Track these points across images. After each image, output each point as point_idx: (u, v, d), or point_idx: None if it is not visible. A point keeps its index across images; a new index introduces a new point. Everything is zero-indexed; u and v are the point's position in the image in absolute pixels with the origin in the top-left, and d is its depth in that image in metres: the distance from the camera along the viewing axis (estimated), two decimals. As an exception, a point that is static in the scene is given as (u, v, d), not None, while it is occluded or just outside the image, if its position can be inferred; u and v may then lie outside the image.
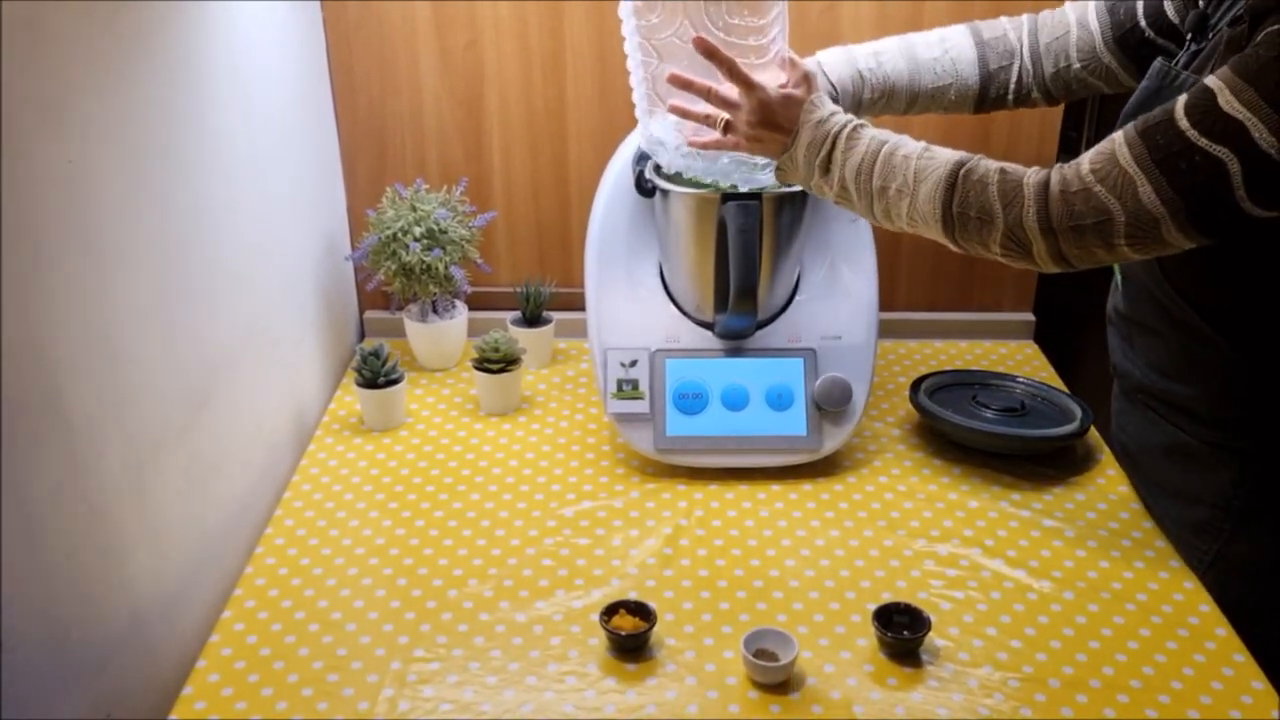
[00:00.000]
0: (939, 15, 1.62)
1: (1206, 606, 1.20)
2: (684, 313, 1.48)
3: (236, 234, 1.32)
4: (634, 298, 1.49)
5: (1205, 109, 0.97)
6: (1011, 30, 1.34)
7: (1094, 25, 1.28)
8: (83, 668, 1.01)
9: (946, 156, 1.13)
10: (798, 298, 1.49)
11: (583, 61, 1.66)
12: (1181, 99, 1.00)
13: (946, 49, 1.35)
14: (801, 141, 1.18)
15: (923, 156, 1.13)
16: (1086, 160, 1.05)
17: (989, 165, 1.10)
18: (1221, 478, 1.20)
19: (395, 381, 1.54)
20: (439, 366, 1.71)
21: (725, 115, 1.22)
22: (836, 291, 1.49)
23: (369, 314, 1.83)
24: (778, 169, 1.22)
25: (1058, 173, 1.06)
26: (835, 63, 1.36)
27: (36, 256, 0.91)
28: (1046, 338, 1.82)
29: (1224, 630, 1.17)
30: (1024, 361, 1.75)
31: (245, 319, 1.35)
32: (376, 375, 1.53)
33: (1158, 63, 1.16)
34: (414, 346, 1.71)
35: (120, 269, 1.05)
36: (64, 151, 0.95)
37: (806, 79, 1.22)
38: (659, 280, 1.50)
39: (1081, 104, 1.73)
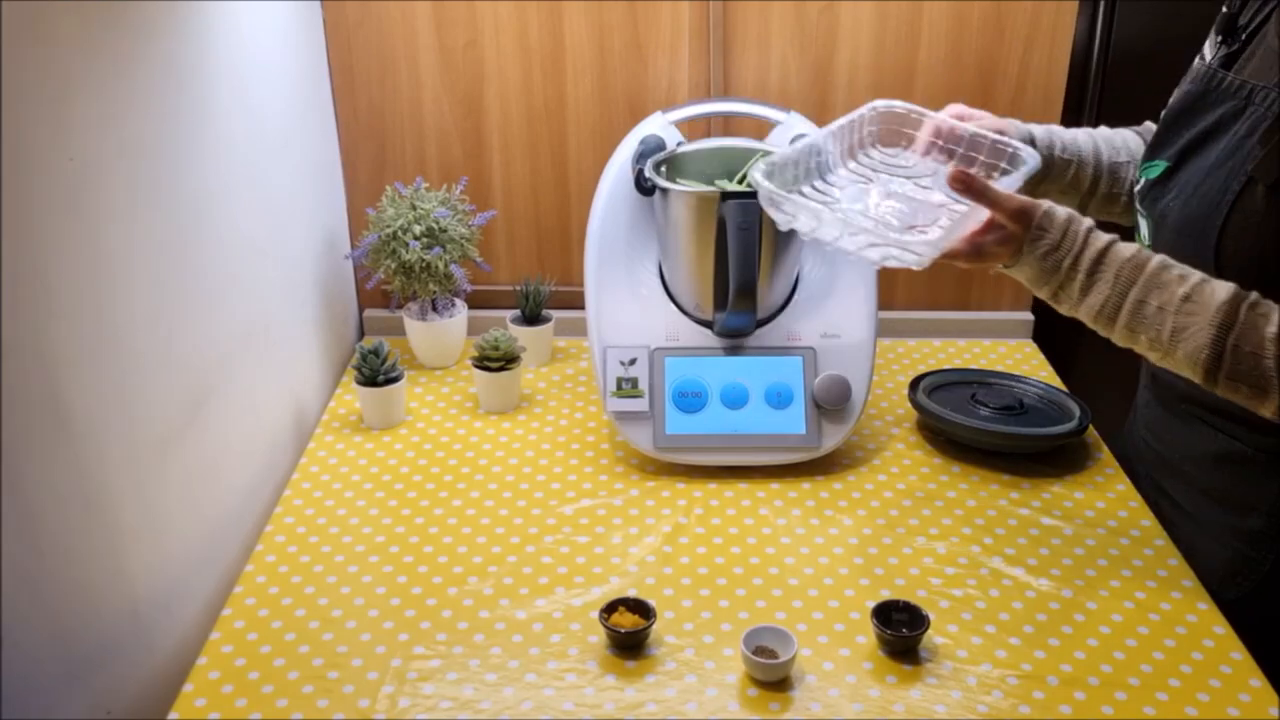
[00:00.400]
0: (938, 15, 1.63)
1: (1204, 604, 1.20)
2: (683, 311, 1.48)
3: (237, 232, 1.33)
4: (633, 296, 1.49)
5: None
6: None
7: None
8: (83, 665, 1.01)
9: (1208, 314, 1.01)
10: (797, 296, 1.49)
11: (582, 61, 1.67)
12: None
13: (1118, 133, 1.33)
14: (1027, 274, 1.11)
15: (1181, 311, 1.02)
16: None
17: (1264, 334, 0.99)
18: (1276, 485, 1.16)
19: (395, 380, 1.54)
20: (438, 365, 1.71)
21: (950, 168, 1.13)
22: (835, 290, 1.49)
23: (369, 312, 1.83)
24: (1006, 266, 1.14)
25: None
26: (1034, 126, 1.32)
27: (36, 254, 0.91)
28: (1045, 337, 1.82)
29: (1222, 628, 1.17)
30: (1022, 360, 1.75)
31: (245, 317, 1.35)
32: (376, 373, 1.53)
33: (1196, 62, 1.13)
34: (414, 345, 1.71)
35: (120, 267, 1.05)
36: (64, 149, 0.95)
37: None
38: (658, 279, 1.50)
39: (1080, 103, 1.73)
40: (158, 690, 1.12)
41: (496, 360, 1.56)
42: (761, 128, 1.57)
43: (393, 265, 1.60)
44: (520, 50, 1.66)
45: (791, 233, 1.42)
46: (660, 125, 1.53)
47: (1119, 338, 1.07)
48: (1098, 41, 1.69)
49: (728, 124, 1.68)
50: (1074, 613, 1.20)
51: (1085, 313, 1.08)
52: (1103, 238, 1.08)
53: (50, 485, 0.94)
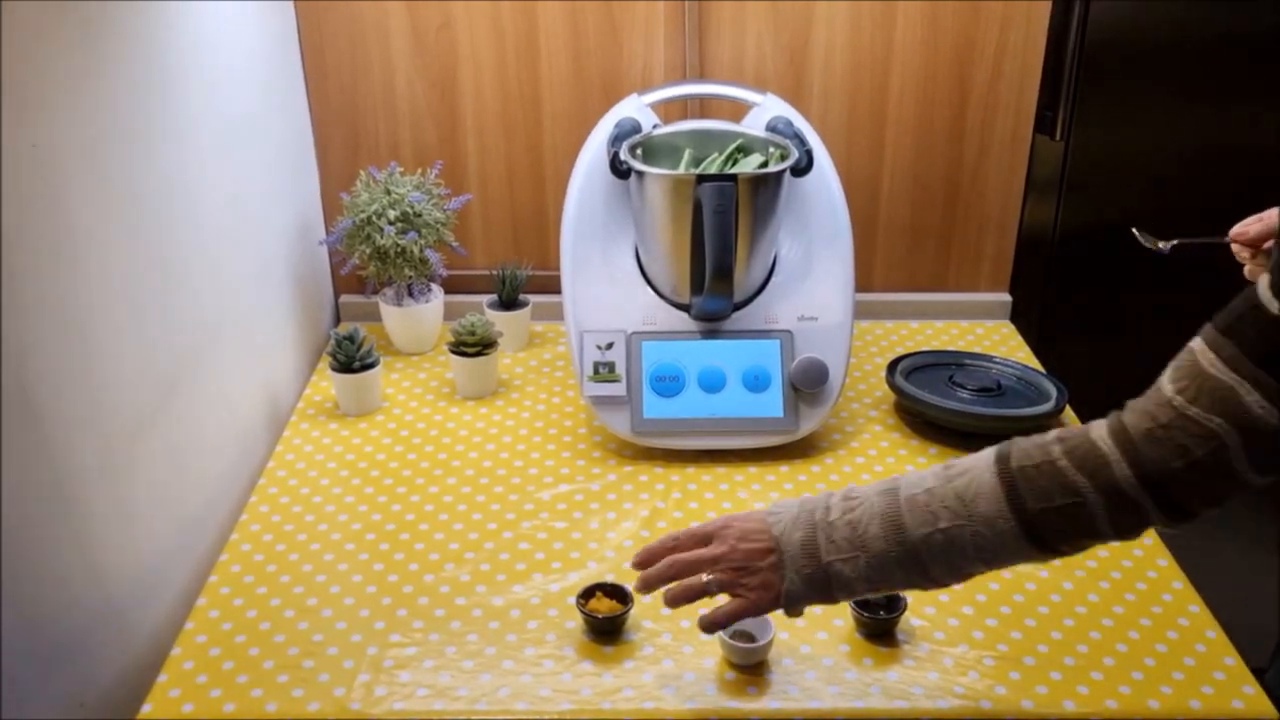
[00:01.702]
0: (912, 10, 1.62)
1: (1180, 584, 1.21)
2: (660, 295, 1.48)
3: (208, 218, 1.31)
4: (610, 280, 1.48)
5: (1189, 374, 0.82)
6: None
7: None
8: (55, 657, 1.00)
9: (978, 463, 0.91)
10: (774, 279, 1.49)
11: (556, 43, 1.65)
12: (1263, 280, 0.82)
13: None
14: (791, 547, 0.94)
15: (951, 480, 0.91)
16: (1168, 382, 0.85)
17: (1038, 441, 0.90)
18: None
19: (370, 366, 1.53)
20: (415, 350, 1.70)
21: (703, 577, 0.98)
22: (813, 272, 1.48)
23: (344, 298, 1.82)
24: (787, 606, 0.96)
25: (1131, 412, 0.87)
26: None
27: (2, 242, 0.90)
28: (1023, 318, 1.82)
29: (1197, 607, 1.18)
30: (1000, 341, 1.75)
31: (218, 304, 1.34)
32: (351, 360, 1.52)
33: None
34: (389, 330, 1.70)
35: (89, 254, 1.03)
36: (27, 135, 0.93)
37: None
38: (635, 262, 1.49)
39: (1058, 78, 1.73)
40: (132, 681, 1.11)
41: (473, 345, 1.55)
42: (738, 110, 1.56)
43: (367, 250, 1.59)
44: (494, 32, 1.65)
45: (769, 215, 1.42)
46: (636, 108, 1.52)
47: (920, 543, 0.91)
48: (1075, 20, 1.68)
49: (704, 106, 1.67)
50: (1050, 593, 1.20)
51: (872, 547, 0.92)
52: (834, 493, 0.97)
53: (19, 476, 0.93)
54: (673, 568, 0.98)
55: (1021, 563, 0.92)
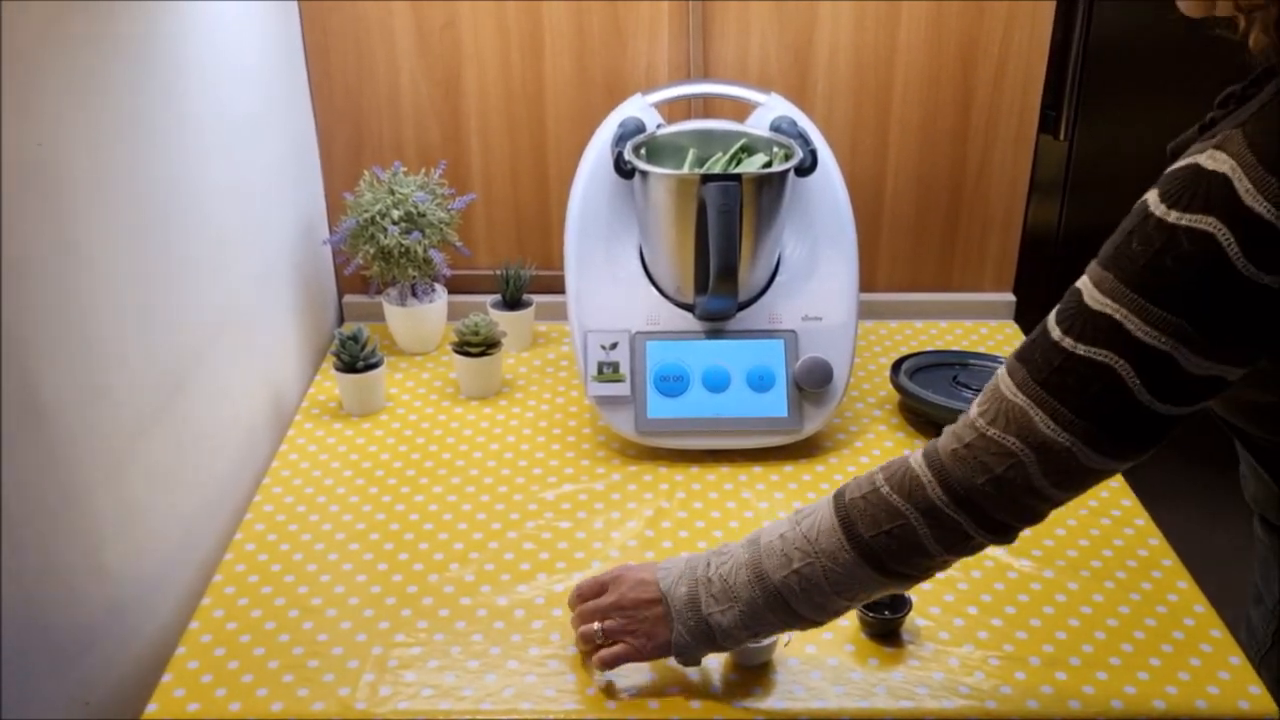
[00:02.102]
0: (916, 10, 1.62)
1: (1184, 583, 1.21)
2: (664, 295, 1.48)
3: (212, 218, 1.31)
4: (614, 280, 1.48)
5: (1074, 313, 0.84)
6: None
7: None
8: (60, 656, 1.00)
9: (821, 502, 0.98)
10: (778, 279, 1.49)
11: (561, 42, 1.65)
12: (1056, 309, 0.87)
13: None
14: (675, 607, 1.02)
15: (799, 522, 0.98)
16: (975, 405, 0.89)
17: (864, 476, 0.95)
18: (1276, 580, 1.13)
19: (374, 366, 1.53)
20: (418, 350, 1.70)
21: (598, 627, 1.07)
22: (817, 272, 1.48)
23: (347, 298, 1.82)
24: (678, 656, 1.04)
25: (944, 436, 0.91)
26: None
27: (6, 242, 0.90)
28: (1027, 318, 1.82)
29: (1202, 607, 1.17)
30: (1005, 342, 1.75)
31: (222, 304, 1.34)
32: (355, 359, 1.52)
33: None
34: (393, 330, 1.70)
35: (93, 254, 1.03)
36: (33, 134, 0.93)
37: None
38: (639, 262, 1.49)
39: (1062, 78, 1.73)
40: (137, 681, 1.11)
41: (477, 345, 1.55)
42: (742, 109, 1.56)
43: (371, 250, 1.59)
44: (498, 31, 1.65)
45: (773, 215, 1.42)
46: (640, 107, 1.52)
47: (783, 586, 0.97)
48: (1079, 20, 1.68)
49: (708, 105, 1.67)
50: (1055, 593, 1.20)
51: (741, 595, 0.99)
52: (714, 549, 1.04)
53: (24, 475, 0.93)
54: (578, 617, 1.08)
55: (876, 590, 0.97)
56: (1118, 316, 0.81)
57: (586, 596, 1.09)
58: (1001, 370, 0.89)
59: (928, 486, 0.89)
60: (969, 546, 0.92)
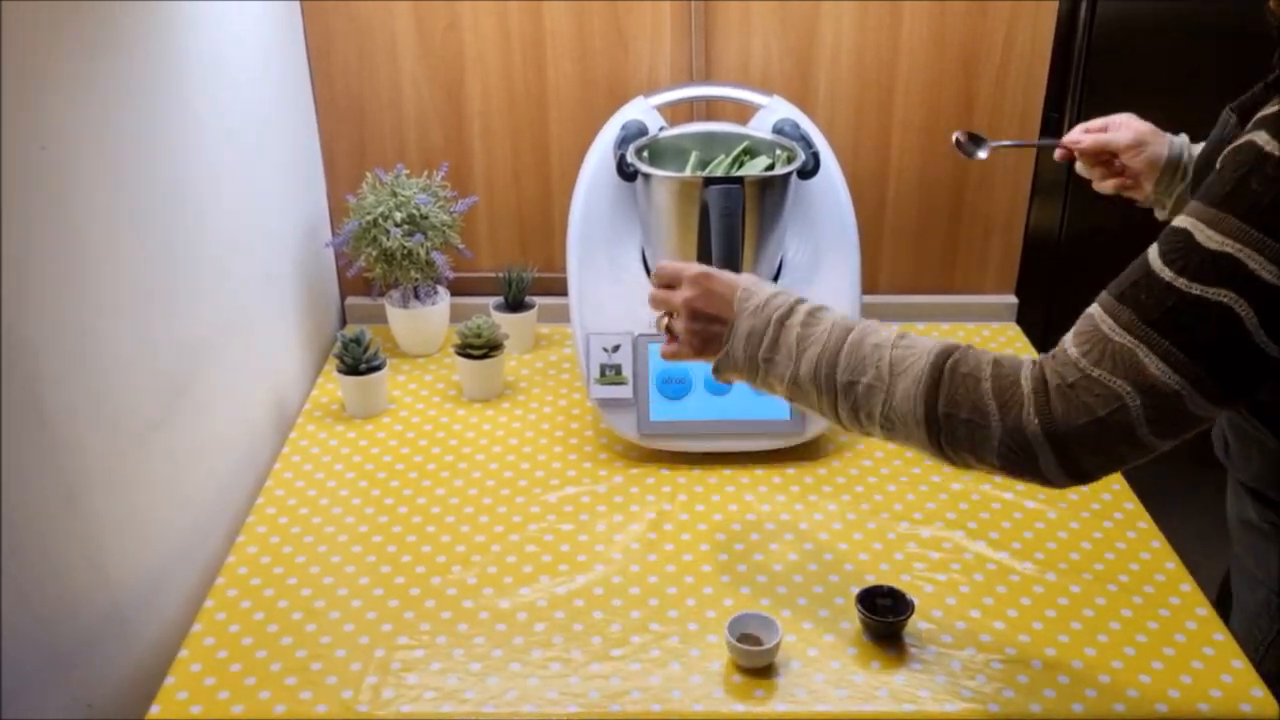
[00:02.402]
0: (918, 12, 1.62)
1: (1187, 586, 1.21)
2: (667, 297, 1.47)
3: (215, 220, 1.31)
4: (616, 282, 1.48)
5: (1185, 251, 0.82)
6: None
7: None
8: (63, 659, 1.00)
9: (927, 346, 0.94)
10: (780, 281, 1.48)
11: (563, 44, 1.65)
12: (1154, 247, 0.86)
13: None
14: (740, 331, 1.00)
15: (900, 345, 0.95)
16: (1071, 344, 0.88)
17: (981, 356, 0.92)
18: (1276, 561, 1.14)
19: (377, 368, 1.53)
20: (421, 353, 1.70)
21: (664, 317, 1.08)
22: (819, 274, 1.48)
23: (350, 300, 1.82)
24: (716, 370, 1.05)
25: (1050, 364, 0.88)
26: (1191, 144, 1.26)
27: (11, 244, 0.90)
28: (1029, 320, 1.82)
29: (1205, 610, 1.17)
30: (1006, 344, 1.75)
31: (225, 306, 1.34)
32: (358, 362, 1.52)
33: (1225, 111, 1.07)
34: (395, 333, 1.70)
35: (97, 256, 1.04)
36: (36, 137, 0.93)
37: None
38: (641, 264, 1.49)
39: (1064, 83, 1.73)
40: (139, 683, 1.11)
41: (479, 348, 1.55)
42: (744, 112, 1.56)
43: (374, 253, 1.59)
44: (500, 34, 1.65)
45: (775, 217, 1.42)
46: (642, 110, 1.52)
47: (842, 389, 0.96)
48: (1081, 21, 1.68)
49: (710, 108, 1.67)
50: (1058, 596, 1.20)
51: (806, 364, 0.97)
52: (808, 303, 1.02)
53: (28, 478, 0.93)
54: (652, 300, 1.08)
55: (914, 447, 0.96)
56: (1240, 255, 0.80)
57: (665, 280, 1.07)
58: (1097, 310, 0.87)
59: (1025, 409, 0.87)
60: (1028, 472, 0.90)
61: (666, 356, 1.08)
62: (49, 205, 0.96)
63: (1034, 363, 0.90)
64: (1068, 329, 0.91)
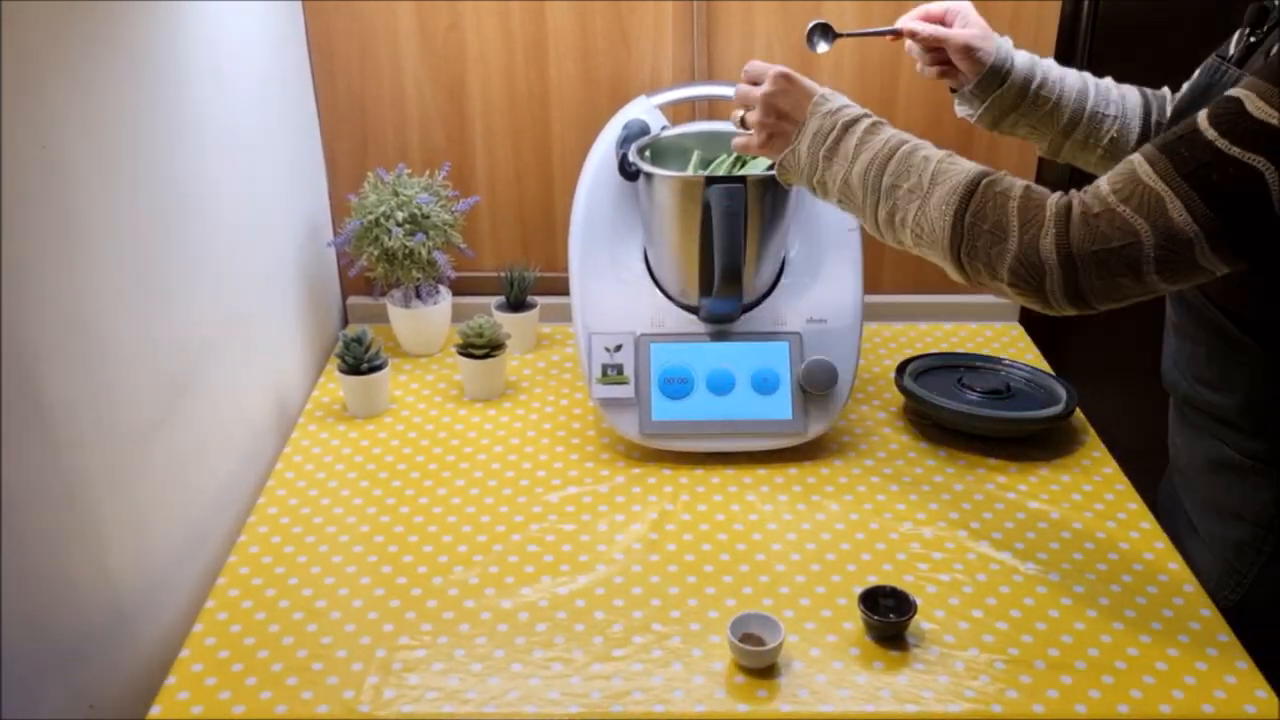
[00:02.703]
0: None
1: (1190, 587, 1.20)
2: (669, 297, 1.47)
3: (217, 219, 1.31)
4: (618, 282, 1.48)
5: (1234, 116, 0.90)
6: (1170, 97, 1.30)
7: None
8: (64, 658, 1.00)
9: (970, 165, 1.05)
10: (783, 281, 1.48)
11: (565, 44, 1.65)
12: (1204, 111, 0.93)
13: (1119, 87, 1.31)
14: (808, 130, 1.11)
15: (945, 160, 1.06)
16: (1105, 182, 0.97)
17: (1016, 181, 1.02)
18: (1264, 494, 1.14)
19: (378, 368, 1.53)
20: (423, 352, 1.70)
21: (741, 111, 1.19)
22: (821, 275, 1.48)
23: (352, 300, 1.82)
24: (780, 167, 1.16)
25: (1078, 197, 0.98)
26: (1018, 52, 1.31)
27: (11, 244, 0.90)
28: (1032, 320, 1.81)
29: (1209, 611, 1.17)
30: (1009, 344, 1.75)
31: (226, 305, 1.34)
32: (359, 361, 1.52)
33: (1211, 58, 1.11)
34: (397, 332, 1.70)
35: (98, 255, 1.03)
36: (36, 136, 0.93)
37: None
38: (643, 264, 1.49)
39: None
40: (140, 683, 1.11)
41: (481, 347, 1.55)
42: (746, 111, 1.56)
43: (375, 252, 1.59)
44: (502, 33, 1.64)
45: (778, 217, 1.42)
46: (644, 109, 1.52)
47: (884, 191, 1.06)
48: (1084, 19, 1.68)
49: (712, 107, 1.67)
50: (1061, 597, 1.19)
51: (859, 165, 1.08)
52: (875, 118, 1.12)
53: (29, 477, 0.93)
54: (737, 96, 1.19)
55: (936, 255, 1.05)
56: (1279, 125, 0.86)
57: (751, 77, 1.17)
58: (1137, 158, 0.95)
59: (1045, 230, 0.96)
60: (1036, 295, 0.98)
61: (737, 147, 1.20)
62: (50, 204, 0.95)
63: (1063, 194, 0.98)
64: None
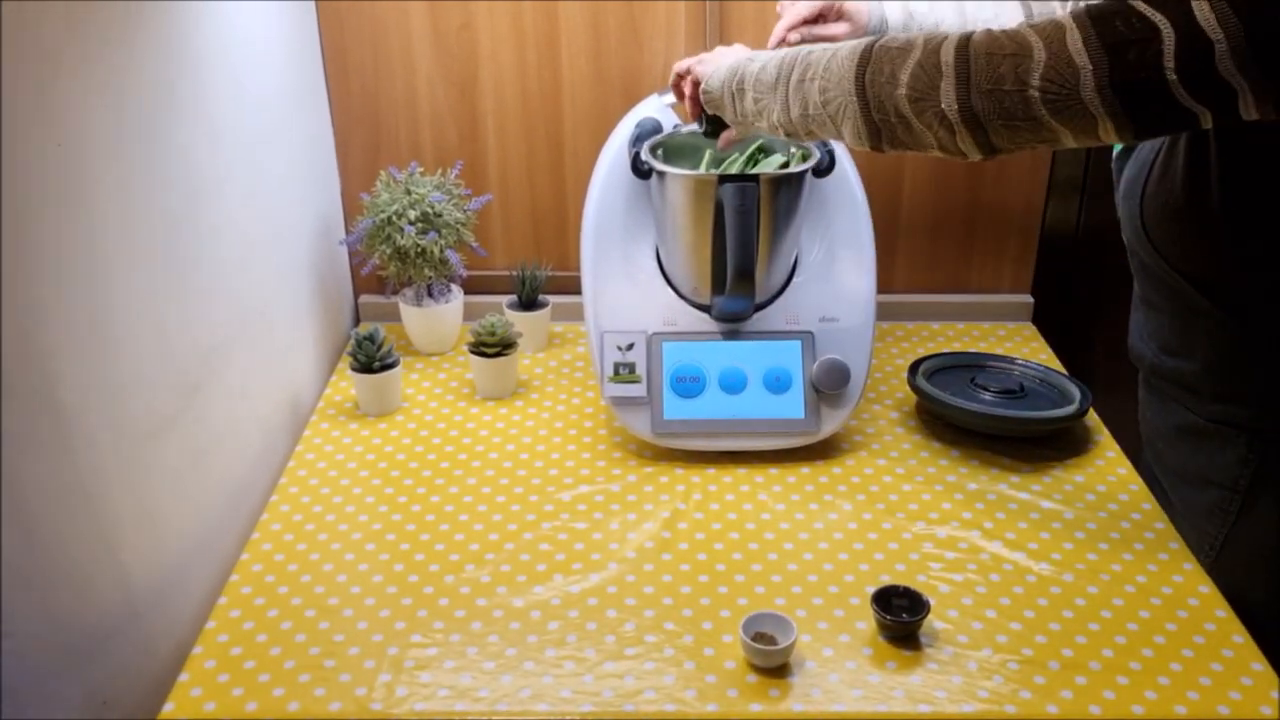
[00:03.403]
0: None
1: (1206, 588, 1.20)
2: (681, 295, 1.47)
3: (230, 218, 1.31)
4: (631, 280, 1.48)
5: None
6: (1060, 6, 1.31)
7: None
8: (78, 656, 1.00)
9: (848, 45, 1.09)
10: (795, 280, 1.48)
11: (577, 42, 1.65)
12: None
13: (997, 13, 1.33)
14: (733, 51, 1.20)
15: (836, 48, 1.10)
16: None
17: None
18: (1228, 456, 1.18)
19: (390, 366, 1.53)
20: (435, 351, 1.70)
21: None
22: (834, 273, 1.48)
23: (364, 298, 1.82)
24: (704, 89, 1.22)
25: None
26: (890, 7, 1.35)
27: (26, 242, 0.90)
28: (1045, 319, 1.81)
29: (1224, 612, 1.16)
30: (1023, 343, 1.74)
31: (239, 304, 1.34)
32: (372, 360, 1.52)
33: None
34: (409, 331, 1.70)
35: (112, 254, 1.04)
36: (52, 135, 0.94)
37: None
38: (655, 263, 1.49)
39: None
40: (154, 680, 1.12)
41: (493, 346, 1.55)
42: (759, 110, 1.55)
43: (388, 251, 1.59)
44: (515, 32, 1.64)
45: (790, 216, 1.41)
46: (656, 108, 1.52)
47: (800, 59, 1.09)
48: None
49: (725, 106, 1.66)
50: (1075, 597, 1.19)
51: (770, 66, 1.12)
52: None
53: (43, 476, 0.93)
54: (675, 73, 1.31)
55: (839, 105, 1.04)
56: None
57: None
58: (1059, 8, 0.98)
59: (947, 39, 0.98)
60: (931, 105, 0.98)
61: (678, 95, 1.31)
62: (64, 203, 0.96)
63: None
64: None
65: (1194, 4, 0.86)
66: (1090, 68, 0.91)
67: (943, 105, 0.97)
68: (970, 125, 0.97)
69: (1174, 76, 0.88)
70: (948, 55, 0.97)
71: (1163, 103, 0.90)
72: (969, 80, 0.96)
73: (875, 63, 1.01)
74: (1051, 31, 0.93)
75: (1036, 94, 0.93)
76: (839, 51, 1.05)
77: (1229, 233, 1.09)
